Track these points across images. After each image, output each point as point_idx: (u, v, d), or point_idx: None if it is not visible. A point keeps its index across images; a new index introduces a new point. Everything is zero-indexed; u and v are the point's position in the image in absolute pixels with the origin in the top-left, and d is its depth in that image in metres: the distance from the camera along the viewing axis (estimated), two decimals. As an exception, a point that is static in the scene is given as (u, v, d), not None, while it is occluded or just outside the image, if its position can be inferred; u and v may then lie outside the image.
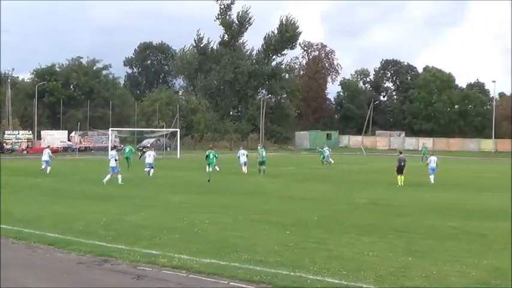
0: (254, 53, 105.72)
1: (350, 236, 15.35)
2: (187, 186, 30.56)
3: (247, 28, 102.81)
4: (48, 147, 42.43)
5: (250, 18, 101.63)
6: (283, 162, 55.91)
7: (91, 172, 39.59)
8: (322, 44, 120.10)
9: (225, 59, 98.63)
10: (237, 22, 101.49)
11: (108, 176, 30.54)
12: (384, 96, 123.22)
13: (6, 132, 74.57)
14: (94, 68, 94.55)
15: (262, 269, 11.34)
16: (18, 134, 74.96)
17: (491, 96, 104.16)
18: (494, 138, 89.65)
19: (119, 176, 30.71)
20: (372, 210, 21.03)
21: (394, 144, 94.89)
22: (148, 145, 59.23)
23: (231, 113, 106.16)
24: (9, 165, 44.44)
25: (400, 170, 31.92)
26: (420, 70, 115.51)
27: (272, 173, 38.21)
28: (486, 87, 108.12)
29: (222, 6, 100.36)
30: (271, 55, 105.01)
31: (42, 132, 77.13)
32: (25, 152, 70.58)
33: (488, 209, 21.81)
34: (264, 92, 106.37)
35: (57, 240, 14.39)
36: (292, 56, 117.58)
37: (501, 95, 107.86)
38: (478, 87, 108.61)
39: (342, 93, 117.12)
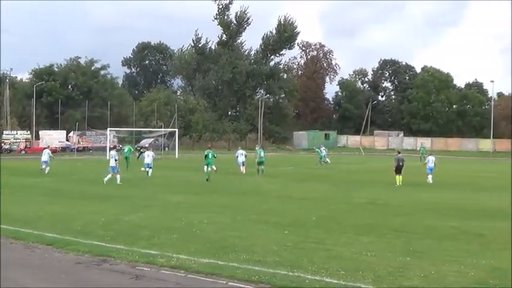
0: (252, 53, 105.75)
1: (348, 235, 15.35)
2: (185, 186, 30.56)
3: (245, 28, 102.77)
4: (48, 147, 42.41)
5: (248, 18, 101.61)
6: (281, 162, 55.91)
7: (89, 172, 39.62)
8: (320, 44, 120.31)
9: (223, 59, 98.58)
10: (235, 22, 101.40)
11: (109, 176, 30.65)
12: (382, 96, 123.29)
13: (4, 132, 74.56)
14: (92, 68, 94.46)
15: (261, 269, 11.34)
16: (17, 134, 74.97)
17: (489, 96, 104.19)
18: (493, 138, 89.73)
19: (118, 176, 30.74)
20: (370, 210, 21.04)
21: (393, 144, 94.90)
22: (147, 145, 59.18)
23: (229, 113, 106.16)
24: (8, 165, 44.37)
25: (398, 170, 31.94)
26: (418, 70, 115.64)
27: (270, 173, 38.22)
28: (484, 87, 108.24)
29: (220, 6, 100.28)
30: (269, 55, 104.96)
31: (41, 132, 77.14)
32: (23, 152, 70.57)
33: (487, 209, 21.82)
34: (262, 92, 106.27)
35: (56, 240, 14.38)
36: (291, 56, 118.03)
37: (499, 94, 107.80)
38: (476, 87, 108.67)
39: (340, 93, 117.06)
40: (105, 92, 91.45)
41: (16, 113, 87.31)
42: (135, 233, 15.30)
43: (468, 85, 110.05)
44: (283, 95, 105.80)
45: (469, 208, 22.15)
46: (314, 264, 11.76)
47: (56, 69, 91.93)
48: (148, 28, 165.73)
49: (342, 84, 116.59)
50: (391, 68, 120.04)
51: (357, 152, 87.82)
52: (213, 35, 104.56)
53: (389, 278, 10.82)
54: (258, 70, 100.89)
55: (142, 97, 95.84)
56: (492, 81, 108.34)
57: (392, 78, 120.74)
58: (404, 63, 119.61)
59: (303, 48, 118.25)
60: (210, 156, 34.55)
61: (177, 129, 69.69)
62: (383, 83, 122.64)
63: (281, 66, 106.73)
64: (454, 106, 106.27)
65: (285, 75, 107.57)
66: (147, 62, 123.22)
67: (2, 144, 70.61)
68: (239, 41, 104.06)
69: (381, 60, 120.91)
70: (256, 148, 41.86)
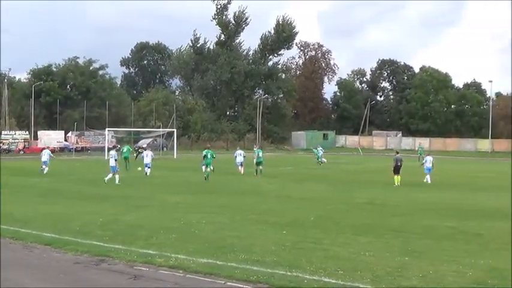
0: (251, 53, 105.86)
1: (347, 236, 15.35)
2: (184, 186, 30.54)
3: (243, 28, 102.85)
4: (48, 147, 42.39)
5: (246, 18, 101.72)
6: (279, 162, 55.92)
7: (88, 172, 39.62)
8: (318, 44, 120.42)
9: (222, 59, 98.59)
10: (233, 22, 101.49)
11: (110, 175, 30.75)
12: (380, 96, 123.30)
13: (2, 132, 74.51)
14: (91, 68, 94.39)
15: (259, 269, 11.34)
16: (15, 134, 74.96)
17: (487, 96, 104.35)
18: (491, 138, 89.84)
19: (117, 176, 30.76)
20: (368, 210, 21.04)
21: (391, 144, 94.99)
22: (145, 145, 59.17)
23: (228, 113, 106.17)
24: (6, 166, 44.32)
25: (396, 170, 31.97)
26: (417, 70, 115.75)
27: (269, 173, 38.23)
28: (483, 87, 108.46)
29: (219, 6, 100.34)
30: (267, 55, 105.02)
31: (39, 133, 77.12)
32: (22, 152, 70.56)
33: (485, 209, 21.84)
34: (260, 92, 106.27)
35: (54, 240, 14.37)
36: (289, 56, 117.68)
37: (498, 94, 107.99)
38: (474, 87, 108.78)
39: (338, 93, 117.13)
40: (103, 92, 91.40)
41: (14, 113, 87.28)
42: (134, 233, 15.29)
43: (466, 85, 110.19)
44: (282, 95, 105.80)
45: (467, 208, 22.16)
46: (312, 264, 11.76)
47: (54, 69, 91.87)
48: (148, 28, 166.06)
49: (341, 84, 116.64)
50: (389, 68, 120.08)
51: (355, 152, 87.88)
52: (211, 35, 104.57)
53: (387, 278, 10.82)
54: (257, 70, 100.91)
55: (141, 97, 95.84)
56: (490, 81, 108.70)
57: (391, 78, 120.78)
58: (402, 63, 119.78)
59: (302, 48, 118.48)
60: (208, 156, 34.51)
61: (175, 129, 69.76)
62: (381, 83, 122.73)
63: (279, 66, 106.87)
64: (453, 106, 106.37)
65: (283, 75, 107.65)
66: (145, 62, 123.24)
67: (1, 145, 70.56)
68: (237, 41, 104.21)
69: (379, 60, 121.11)
70: (254, 148, 41.87)
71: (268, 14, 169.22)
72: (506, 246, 13.96)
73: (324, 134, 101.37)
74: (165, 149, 73.64)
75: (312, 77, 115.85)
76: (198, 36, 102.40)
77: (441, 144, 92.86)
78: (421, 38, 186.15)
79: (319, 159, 51.86)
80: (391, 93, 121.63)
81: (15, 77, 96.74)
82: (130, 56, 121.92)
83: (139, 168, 38.09)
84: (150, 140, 75.20)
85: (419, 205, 22.67)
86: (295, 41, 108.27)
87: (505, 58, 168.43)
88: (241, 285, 10.46)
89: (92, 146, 76.71)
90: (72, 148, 72.77)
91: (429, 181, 33.07)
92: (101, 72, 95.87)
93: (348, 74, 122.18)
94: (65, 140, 77.47)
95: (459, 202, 24.11)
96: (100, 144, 72.14)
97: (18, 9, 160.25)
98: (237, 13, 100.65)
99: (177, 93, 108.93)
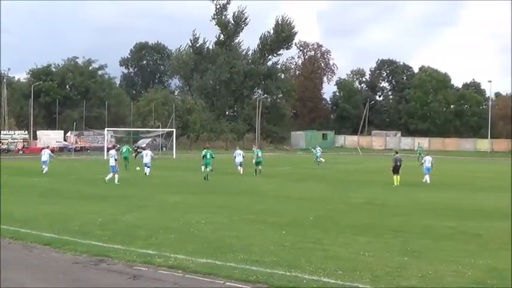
0: (250, 53, 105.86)
1: (346, 236, 15.35)
2: (183, 186, 30.54)
3: (243, 28, 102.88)
4: (48, 147, 42.36)
5: (246, 18, 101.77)
6: (279, 162, 55.93)
7: (87, 172, 39.61)
8: (318, 43, 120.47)
9: (221, 59, 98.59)
10: (232, 22, 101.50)
11: (110, 175, 30.77)
12: (379, 96, 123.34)
13: (2, 132, 74.48)
14: (90, 68, 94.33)
15: (258, 269, 11.33)
16: (14, 134, 74.95)
17: (487, 96, 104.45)
18: (490, 138, 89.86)
19: (116, 176, 30.76)
20: (367, 210, 21.05)
21: (390, 144, 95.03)
22: (144, 145, 59.11)
23: (227, 112, 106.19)
24: (6, 165, 44.28)
25: (396, 170, 31.95)
26: (416, 70, 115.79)
27: (268, 173, 38.22)
28: (482, 87, 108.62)
29: (218, 6, 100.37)
30: (267, 55, 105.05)
31: (38, 132, 77.09)
32: (21, 152, 70.54)
33: (484, 209, 21.85)
34: (259, 91, 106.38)
35: (53, 240, 14.36)
36: (288, 56, 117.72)
37: (497, 94, 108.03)
38: (473, 87, 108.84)
39: (337, 93, 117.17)
40: (102, 92, 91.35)
41: (14, 113, 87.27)
42: (133, 233, 15.28)
43: (466, 85, 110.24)
44: (281, 95, 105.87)
45: (466, 208, 22.17)
46: (312, 264, 11.75)
47: (54, 69, 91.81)
48: (148, 28, 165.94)
49: (340, 84, 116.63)
50: (388, 68, 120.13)
51: (355, 152, 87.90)
52: (210, 35, 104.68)
53: (387, 278, 10.82)
54: (256, 70, 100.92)
55: (140, 97, 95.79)
56: (490, 81, 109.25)
57: (390, 78, 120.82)
58: (401, 63, 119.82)
59: (301, 48, 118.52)
60: (208, 156, 34.43)
61: (174, 129, 69.75)
62: (381, 83, 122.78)
63: (279, 66, 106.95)
64: (452, 106, 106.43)
65: (283, 75, 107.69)
66: (144, 62, 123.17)
67: (0, 145, 70.54)
68: (237, 40, 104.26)
69: (378, 60, 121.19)
70: (253, 148, 41.83)
71: (267, 14, 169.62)
72: (505, 246, 13.96)
73: (323, 134, 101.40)
74: (164, 148, 73.61)
75: (311, 77, 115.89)
76: (197, 36, 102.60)
77: (440, 144, 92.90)
78: (420, 38, 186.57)
79: (318, 159, 51.96)
80: (390, 93, 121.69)
81: (14, 77, 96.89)
82: (129, 56, 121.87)
83: (138, 168, 38.11)
84: (149, 139, 75.17)
85: (419, 205, 22.68)
86: (294, 41, 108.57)
87: (504, 58, 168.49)
88: (240, 285, 10.45)
89: (91, 145, 76.67)
90: (72, 148, 72.76)
91: (428, 181, 33.07)
92: (100, 72, 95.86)
93: (347, 74, 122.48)
94: (64, 140, 77.44)
95: (458, 202, 24.11)
96: (99, 144, 72.11)
97: (18, 9, 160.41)
98: (236, 13, 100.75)
99: (176, 93, 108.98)
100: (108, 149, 43.85)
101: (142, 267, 11.73)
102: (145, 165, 36.24)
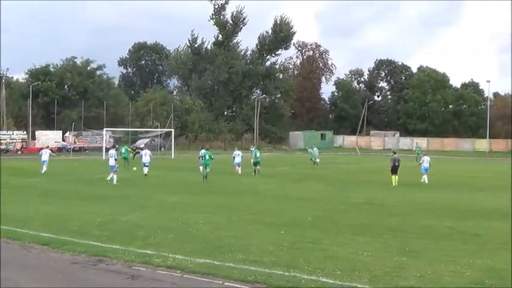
0: (248, 53, 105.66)
1: (345, 236, 15.36)
2: (181, 186, 30.55)
3: (241, 28, 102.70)
4: (48, 147, 42.29)
5: (244, 18, 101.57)
6: (277, 162, 55.93)
7: (85, 172, 39.59)
8: (316, 43, 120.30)
9: (219, 59, 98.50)
10: (231, 22, 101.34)
11: (111, 174, 30.78)
12: (378, 96, 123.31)
13: (0, 132, 74.40)
14: (88, 68, 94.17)
15: (257, 269, 11.34)
16: (13, 134, 74.84)
17: (485, 96, 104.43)
18: (489, 138, 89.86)
19: (115, 176, 30.78)
20: (366, 210, 21.05)
21: (389, 144, 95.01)
22: (142, 145, 59.09)
23: (226, 113, 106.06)
24: (4, 166, 44.22)
25: (394, 170, 31.97)
26: (414, 70, 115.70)
27: (266, 173, 38.23)
28: (480, 87, 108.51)
29: (216, 6, 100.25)
30: (265, 55, 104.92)
31: (37, 133, 77.01)
32: (19, 152, 70.46)
33: (483, 209, 21.86)
34: (258, 92, 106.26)
35: (52, 240, 14.36)
36: (287, 56, 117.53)
37: (495, 94, 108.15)
38: (472, 87, 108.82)
39: (336, 93, 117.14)
40: (101, 92, 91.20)
41: (12, 113, 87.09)
42: (131, 233, 15.28)
43: (464, 85, 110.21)
44: (279, 95, 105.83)
45: (465, 208, 22.19)
46: (310, 264, 11.76)
47: (52, 70, 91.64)
48: (148, 28, 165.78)
49: (338, 84, 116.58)
50: (387, 68, 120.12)
51: (353, 152, 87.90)
52: (209, 35, 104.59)
53: (385, 278, 10.83)
54: (254, 70, 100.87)
55: (139, 97, 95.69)
56: (488, 81, 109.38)
57: (389, 78, 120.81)
58: (400, 63, 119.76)
59: (299, 48, 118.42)
60: (207, 157, 34.09)
61: (173, 130, 69.75)
62: (379, 83, 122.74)
63: (277, 66, 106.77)
64: (450, 106, 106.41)
65: (281, 75, 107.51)
66: (143, 62, 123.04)
67: (-1, 145, 70.52)
68: (235, 41, 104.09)
69: (376, 60, 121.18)
70: (252, 148, 41.82)
71: (265, 14, 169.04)
72: (504, 246, 13.98)
73: (322, 134, 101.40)
74: (162, 149, 73.64)
75: (310, 77, 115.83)
76: (195, 36, 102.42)
77: (439, 144, 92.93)
78: (418, 38, 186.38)
79: (315, 159, 51.86)
80: (388, 93, 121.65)
81: (13, 77, 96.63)
82: (128, 56, 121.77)
83: (135, 168, 38.11)
84: (148, 140, 75.21)
85: (417, 205, 22.69)
86: (292, 41, 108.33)
87: (503, 58, 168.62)
88: (239, 286, 10.45)
89: (90, 146, 76.61)
90: (70, 148, 72.71)
91: (426, 181, 33.08)
92: (98, 72, 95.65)
93: (345, 74, 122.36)
94: (63, 140, 77.35)
95: (457, 202, 24.14)
96: (98, 144, 72.07)
97: (18, 9, 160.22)
98: (234, 13, 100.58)
99: (174, 93, 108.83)
100: (107, 149, 43.84)
101: (140, 267, 11.74)
102: (145, 164, 36.19)
